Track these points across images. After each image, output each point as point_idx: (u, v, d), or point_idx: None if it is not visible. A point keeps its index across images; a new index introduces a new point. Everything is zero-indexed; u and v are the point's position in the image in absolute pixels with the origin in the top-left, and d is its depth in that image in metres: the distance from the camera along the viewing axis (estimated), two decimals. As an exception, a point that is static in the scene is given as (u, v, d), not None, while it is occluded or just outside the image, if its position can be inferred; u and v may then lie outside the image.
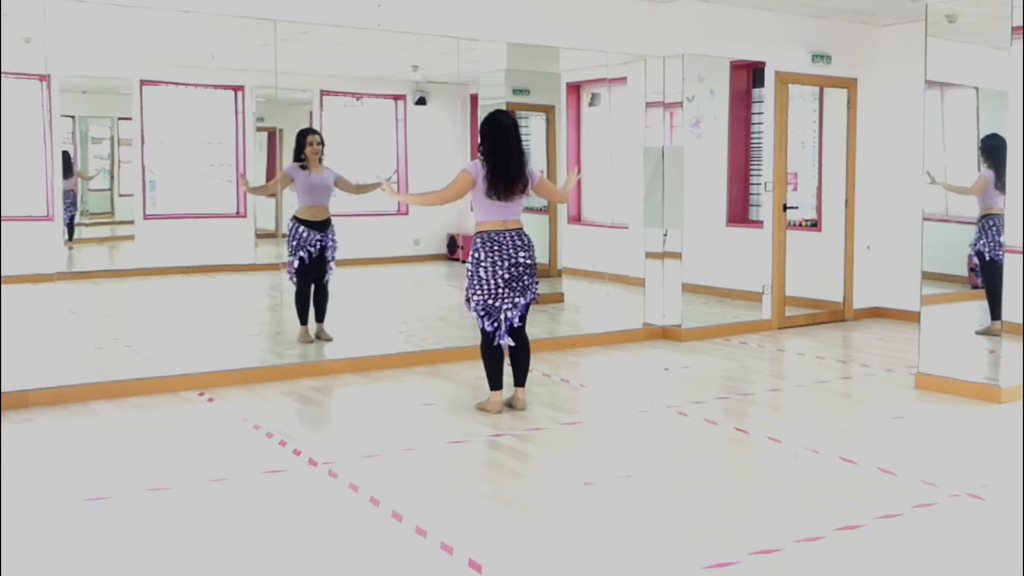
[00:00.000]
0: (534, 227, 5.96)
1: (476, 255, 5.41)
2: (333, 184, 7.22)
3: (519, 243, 5.42)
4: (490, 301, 5.43)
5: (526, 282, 5.46)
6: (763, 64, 8.39)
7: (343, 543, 3.68)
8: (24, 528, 3.78)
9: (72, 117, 8.13)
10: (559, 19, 7.44)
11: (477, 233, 5.43)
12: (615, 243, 9.04)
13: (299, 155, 7.15)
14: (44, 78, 7.11)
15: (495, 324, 5.48)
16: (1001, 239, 6.18)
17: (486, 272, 5.38)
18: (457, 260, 9.96)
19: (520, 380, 5.69)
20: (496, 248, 5.37)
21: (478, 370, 5.66)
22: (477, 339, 6.92)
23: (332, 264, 7.20)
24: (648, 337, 8.12)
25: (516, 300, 5.45)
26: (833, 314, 9.05)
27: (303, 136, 7.18)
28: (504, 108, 5.60)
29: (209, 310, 8.66)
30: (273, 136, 8.97)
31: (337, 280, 7.30)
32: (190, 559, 3.51)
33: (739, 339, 8.13)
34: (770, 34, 8.26)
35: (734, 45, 8.16)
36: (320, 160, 7.16)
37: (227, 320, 8.49)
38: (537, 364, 6.69)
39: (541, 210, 8.90)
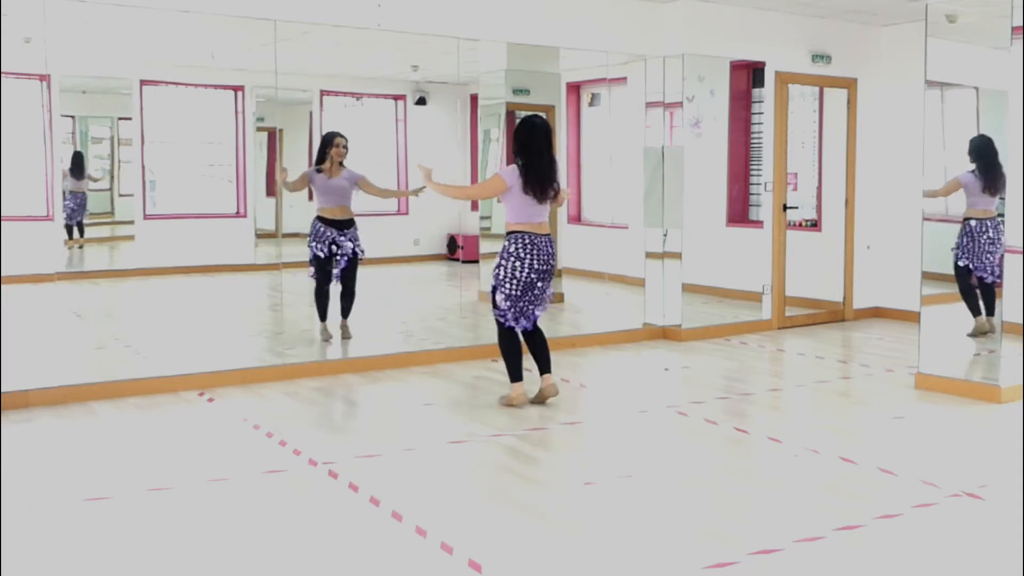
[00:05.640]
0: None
1: (512, 250, 5.49)
2: (352, 187, 7.21)
3: (550, 250, 5.55)
4: (517, 296, 5.51)
5: (544, 288, 5.58)
6: (763, 64, 8.39)
7: (343, 543, 3.68)
8: (24, 528, 3.78)
9: (72, 117, 8.13)
10: (559, 19, 7.45)
11: (511, 233, 5.53)
12: (615, 243, 9.03)
13: (322, 157, 7.14)
14: (44, 78, 7.11)
15: (517, 319, 5.58)
16: (980, 244, 6.34)
17: (519, 270, 5.48)
18: (457, 260, 9.96)
19: (545, 367, 5.73)
20: (532, 250, 5.48)
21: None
22: (476, 340, 6.88)
23: (343, 262, 7.14)
24: (648, 337, 8.12)
25: (536, 303, 5.57)
26: (833, 314, 9.05)
27: (331, 138, 7.17)
28: (541, 114, 5.76)
29: (209, 310, 8.66)
30: (273, 136, 8.97)
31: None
32: (190, 559, 3.51)
33: (739, 339, 8.13)
34: (770, 34, 8.26)
35: (734, 45, 8.16)
36: (341, 163, 7.17)
37: (227, 320, 8.49)
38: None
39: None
